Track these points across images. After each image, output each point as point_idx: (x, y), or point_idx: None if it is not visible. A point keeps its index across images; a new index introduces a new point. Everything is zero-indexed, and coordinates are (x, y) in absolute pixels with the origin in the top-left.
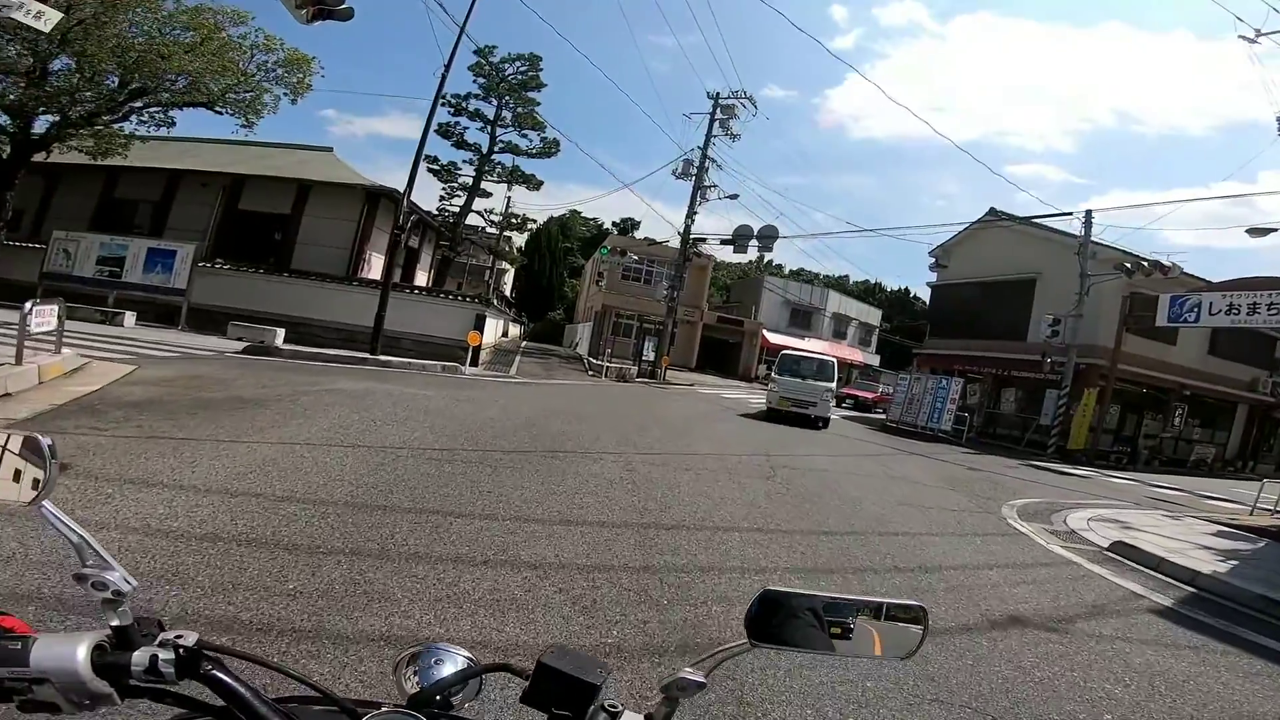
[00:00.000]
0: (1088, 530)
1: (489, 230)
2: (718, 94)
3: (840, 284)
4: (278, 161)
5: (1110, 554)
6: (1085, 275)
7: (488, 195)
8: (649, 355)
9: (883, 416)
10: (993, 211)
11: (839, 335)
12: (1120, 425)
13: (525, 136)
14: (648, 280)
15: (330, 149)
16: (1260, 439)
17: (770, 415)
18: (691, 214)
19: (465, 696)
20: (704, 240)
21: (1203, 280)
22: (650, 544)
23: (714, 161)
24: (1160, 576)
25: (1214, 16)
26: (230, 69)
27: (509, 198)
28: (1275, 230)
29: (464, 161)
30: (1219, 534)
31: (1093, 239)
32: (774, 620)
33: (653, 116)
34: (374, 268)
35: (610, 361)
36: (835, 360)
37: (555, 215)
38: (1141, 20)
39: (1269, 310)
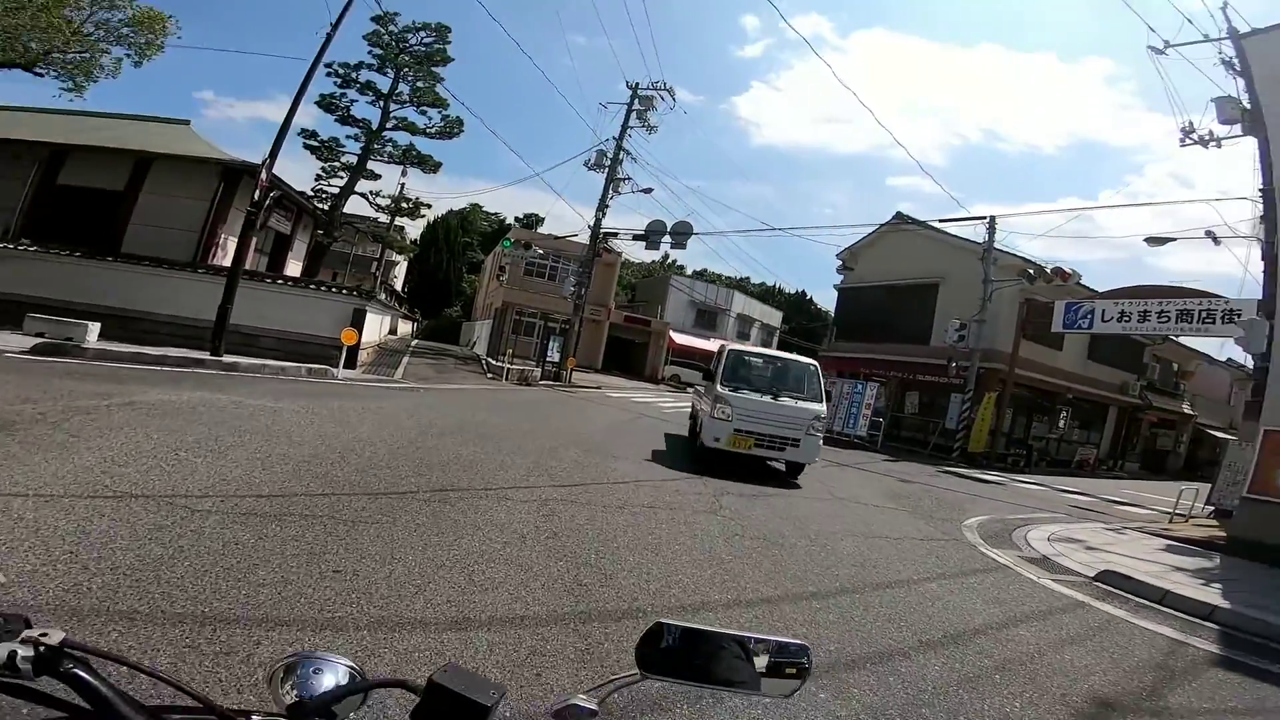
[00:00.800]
0: (1059, 555)
1: (379, 218)
2: (636, 84)
3: (741, 286)
4: (119, 134)
5: (1102, 584)
6: (989, 281)
7: (376, 177)
8: (554, 356)
9: None
10: (899, 216)
11: (743, 336)
12: (1012, 428)
13: (425, 114)
14: (553, 276)
15: (188, 121)
16: (1128, 439)
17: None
18: (603, 206)
19: (347, 709)
20: (615, 235)
21: (1090, 289)
22: (599, 655)
23: (629, 154)
24: (1174, 613)
25: (1079, 40)
26: (57, 27)
27: (402, 183)
28: (1173, 240)
29: (348, 138)
30: (1169, 549)
31: (995, 246)
32: (665, 652)
33: (567, 100)
34: (231, 254)
35: (511, 363)
36: (817, 365)
37: (455, 209)
38: (1014, 42)
39: (1158, 318)
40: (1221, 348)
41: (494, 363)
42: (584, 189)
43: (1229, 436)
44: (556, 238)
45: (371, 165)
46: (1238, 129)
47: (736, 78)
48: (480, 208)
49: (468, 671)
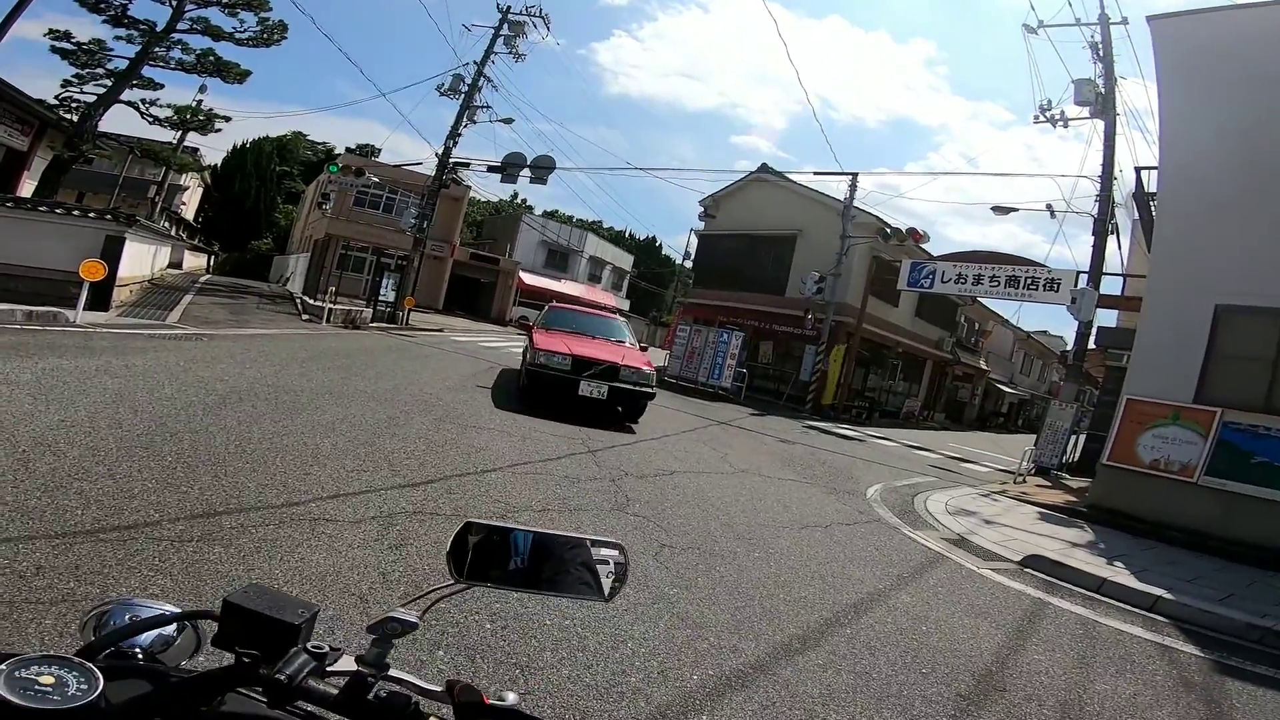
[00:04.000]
0: (971, 534)
1: (160, 140)
2: (508, 7)
3: (594, 229)
4: None
5: (1032, 571)
6: (846, 236)
7: (156, 87)
8: (388, 295)
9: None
10: (764, 167)
11: (594, 279)
12: (852, 380)
13: (235, 14)
14: (389, 208)
15: None
16: (939, 392)
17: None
18: (455, 135)
19: (155, 647)
20: (467, 165)
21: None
22: None
23: (490, 81)
24: (1120, 605)
25: (910, 22)
26: None
27: (200, 99)
28: (1016, 210)
29: (118, 38)
30: (1043, 518)
31: (854, 204)
32: (480, 556)
33: (427, 10)
34: None
35: (335, 302)
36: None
37: (274, 135)
38: (855, 18)
39: (990, 282)
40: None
41: (312, 302)
42: (431, 123)
43: (1011, 390)
44: (396, 166)
45: (153, 73)
46: (1086, 111)
47: (600, 23)
48: (304, 136)
49: (273, 591)
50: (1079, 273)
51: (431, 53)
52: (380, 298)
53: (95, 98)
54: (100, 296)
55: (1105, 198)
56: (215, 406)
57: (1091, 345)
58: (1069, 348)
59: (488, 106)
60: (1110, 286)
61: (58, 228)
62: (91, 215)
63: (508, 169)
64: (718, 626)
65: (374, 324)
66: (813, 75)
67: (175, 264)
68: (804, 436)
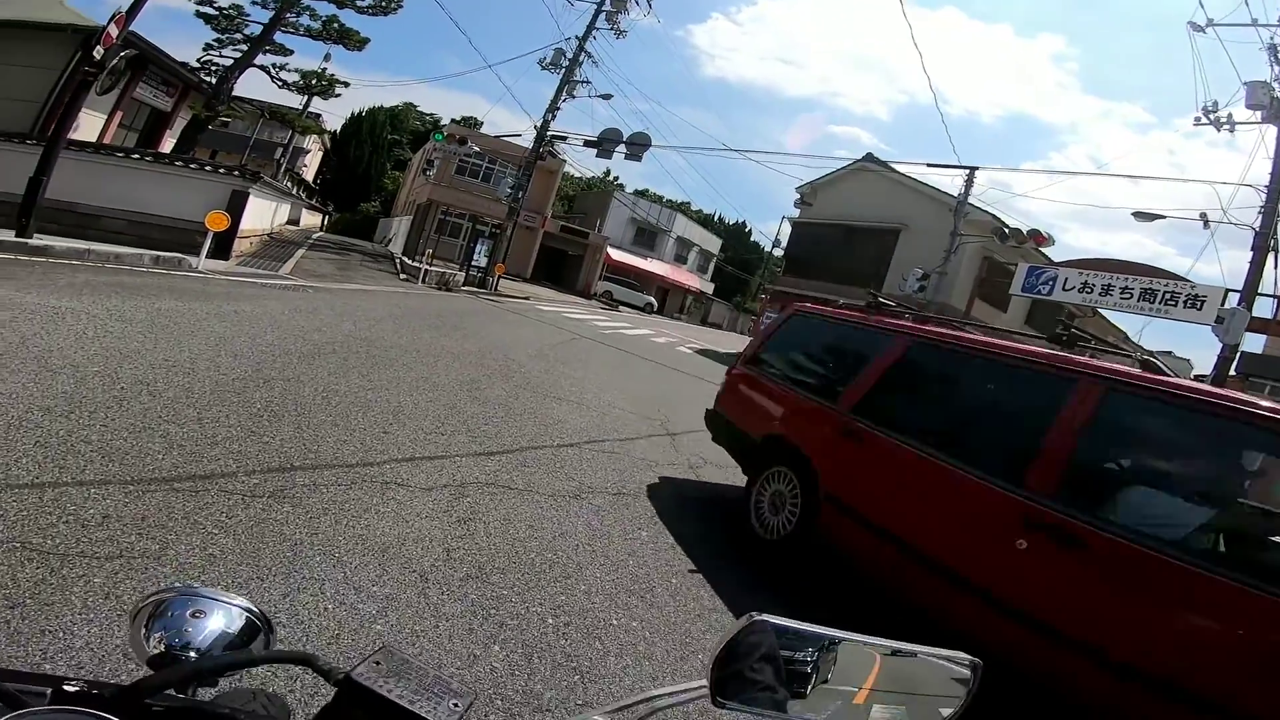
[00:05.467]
0: None
1: (286, 105)
2: None
3: (683, 209)
4: None
5: None
6: (957, 234)
7: (287, 53)
8: (480, 260)
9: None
10: (869, 157)
11: (680, 259)
12: None
13: None
14: (487, 178)
15: None
16: None
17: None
18: (554, 108)
19: (215, 646)
20: (564, 139)
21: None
22: None
23: (590, 56)
24: None
25: (1039, 15)
26: None
27: (324, 67)
28: (1162, 217)
29: (254, 3)
30: None
31: (970, 200)
32: (756, 663)
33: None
34: (92, 131)
35: (430, 264)
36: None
37: (386, 106)
38: (974, 9)
39: (1120, 293)
40: (1142, 330)
41: (410, 263)
42: (530, 97)
43: None
44: (496, 137)
45: (283, 39)
46: (1258, 116)
47: (698, 5)
48: (414, 107)
49: (411, 663)
50: (1227, 290)
51: (535, 25)
52: (473, 262)
53: (231, 61)
54: (223, 246)
55: (1271, 209)
56: (310, 356)
57: (1232, 372)
58: (1200, 372)
59: (587, 81)
60: (1261, 309)
61: (190, 181)
62: (221, 171)
63: (604, 144)
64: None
65: (465, 287)
66: (920, 66)
67: (293, 220)
68: None
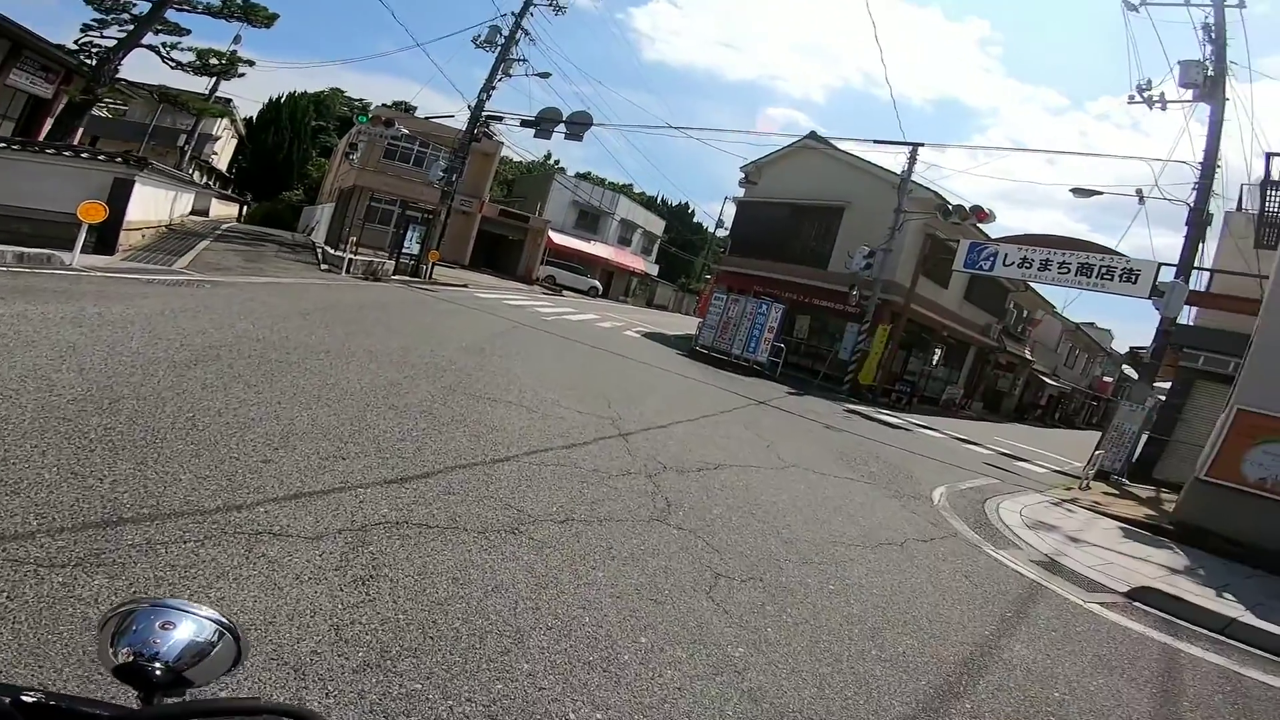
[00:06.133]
0: (1059, 554)
1: (192, 89)
2: None
3: (626, 191)
4: None
5: (1143, 606)
6: (901, 211)
7: (182, 32)
8: (412, 247)
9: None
10: (813, 135)
11: (624, 242)
12: (892, 363)
13: None
14: (419, 162)
15: None
16: (979, 379)
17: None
18: (489, 88)
19: (186, 659)
20: (499, 119)
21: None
22: None
23: (528, 34)
24: (1255, 651)
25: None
26: None
27: (234, 49)
28: (1100, 193)
29: None
30: (1126, 534)
31: (912, 178)
32: None
33: None
34: None
35: (356, 252)
36: None
37: (311, 92)
38: None
39: (1058, 268)
40: (1070, 302)
41: (333, 253)
42: (465, 81)
43: (1053, 382)
44: (428, 119)
45: (178, 18)
46: (1189, 94)
47: None
48: (342, 92)
49: None
50: (1160, 264)
51: (469, 4)
52: (404, 250)
53: (116, 42)
54: (106, 240)
55: (1205, 186)
56: (184, 365)
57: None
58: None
59: (524, 60)
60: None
61: (65, 170)
62: (101, 158)
63: (542, 124)
64: (803, 710)
65: (395, 276)
66: (859, 49)
67: (201, 211)
68: (847, 422)
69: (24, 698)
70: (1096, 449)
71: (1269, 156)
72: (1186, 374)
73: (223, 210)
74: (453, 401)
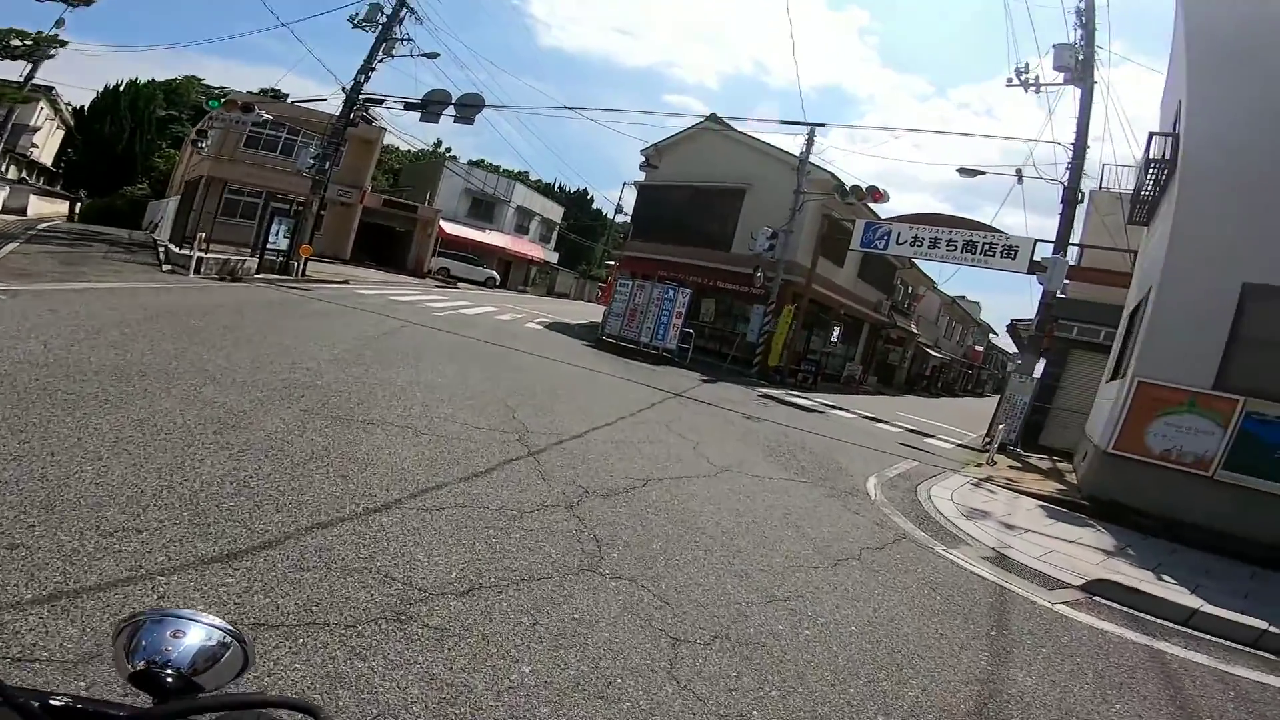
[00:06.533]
0: (1005, 547)
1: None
2: None
3: (522, 178)
4: None
5: (1102, 599)
6: (801, 192)
7: None
8: (279, 242)
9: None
10: (714, 117)
11: (521, 230)
12: (795, 343)
13: None
14: (288, 150)
15: None
16: (873, 354)
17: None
18: (369, 69)
19: (198, 664)
20: (379, 102)
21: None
22: None
23: (413, 12)
24: (1228, 644)
25: None
26: None
27: (56, 32)
28: (983, 173)
29: None
30: (1048, 513)
31: (808, 160)
32: None
33: None
34: None
35: (207, 250)
36: None
37: (160, 80)
38: None
39: (946, 246)
40: (949, 278)
41: (178, 251)
42: (343, 68)
43: (936, 354)
44: (295, 103)
45: None
46: (1061, 78)
47: None
48: (199, 80)
49: None
50: (1036, 240)
51: None
52: (269, 246)
53: None
54: None
55: (1078, 165)
56: None
57: (1031, 317)
58: (1022, 318)
59: (408, 39)
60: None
61: None
62: None
63: (428, 106)
64: None
65: (260, 275)
66: (751, 36)
67: (16, 210)
68: (764, 410)
69: (52, 701)
70: (994, 424)
71: (1151, 135)
72: (1062, 344)
73: (46, 208)
74: (314, 431)
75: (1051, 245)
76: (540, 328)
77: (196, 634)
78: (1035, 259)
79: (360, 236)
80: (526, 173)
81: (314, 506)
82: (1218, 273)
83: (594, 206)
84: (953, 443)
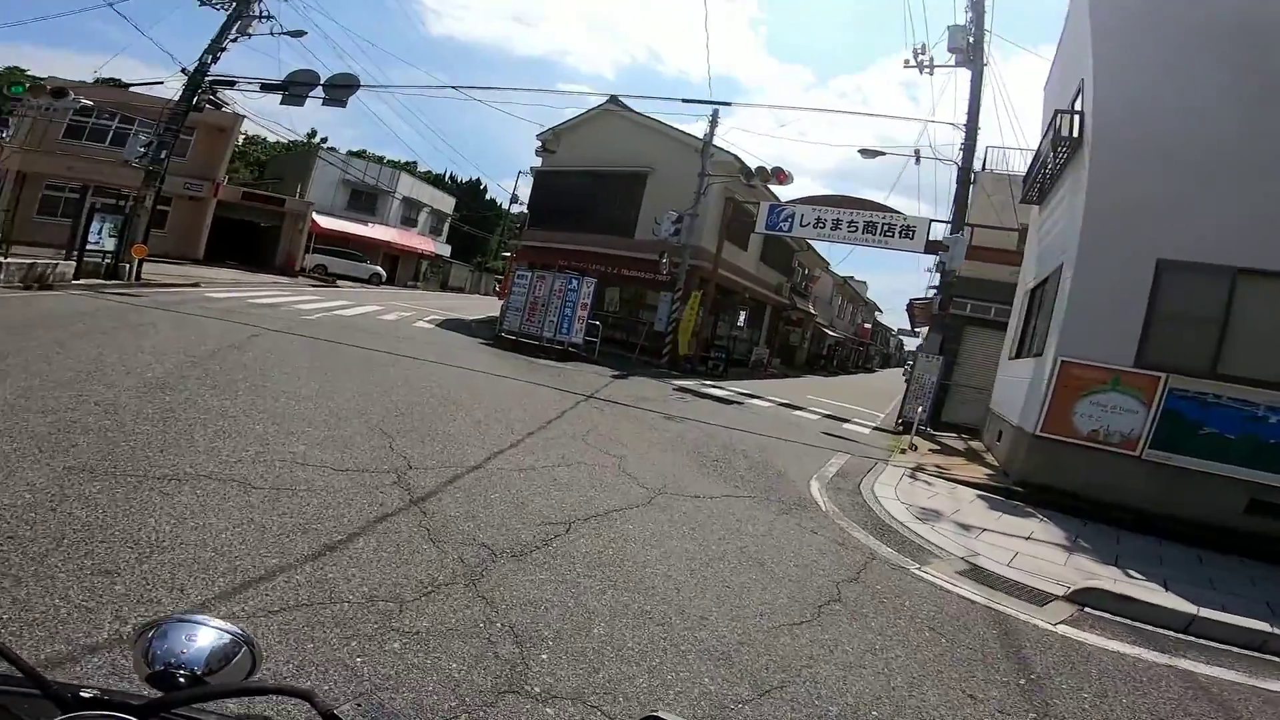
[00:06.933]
0: (974, 555)
1: None
2: None
3: (409, 169)
4: None
5: (1095, 611)
6: (705, 175)
7: None
8: (104, 242)
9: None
10: (614, 99)
11: (409, 222)
12: (703, 329)
13: None
14: (120, 140)
15: None
16: (775, 336)
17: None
18: (218, 49)
19: (212, 664)
20: (231, 83)
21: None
22: None
23: None
24: (1233, 650)
25: None
26: None
27: None
28: (884, 154)
29: None
30: (990, 504)
31: (712, 142)
32: None
33: None
34: None
35: (7, 254)
36: None
37: None
38: None
39: (848, 227)
40: (842, 259)
41: None
42: (187, 49)
43: (832, 333)
44: (125, 86)
45: None
46: (953, 59)
47: None
48: (21, 70)
49: (392, 713)
50: (931, 220)
51: None
52: (91, 246)
53: None
54: None
55: (970, 145)
56: None
57: (925, 295)
58: (919, 297)
59: (268, 17)
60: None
61: None
62: None
63: (291, 87)
64: None
65: (79, 281)
66: (642, 26)
67: None
68: (684, 406)
69: (83, 694)
70: (907, 407)
71: (1057, 113)
72: (956, 321)
73: None
74: (78, 500)
75: (945, 225)
76: (431, 326)
77: (209, 637)
78: (931, 238)
79: (218, 234)
80: (414, 164)
81: (44, 634)
82: (1132, 249)
83: (489, 197)
84: (869, 426)
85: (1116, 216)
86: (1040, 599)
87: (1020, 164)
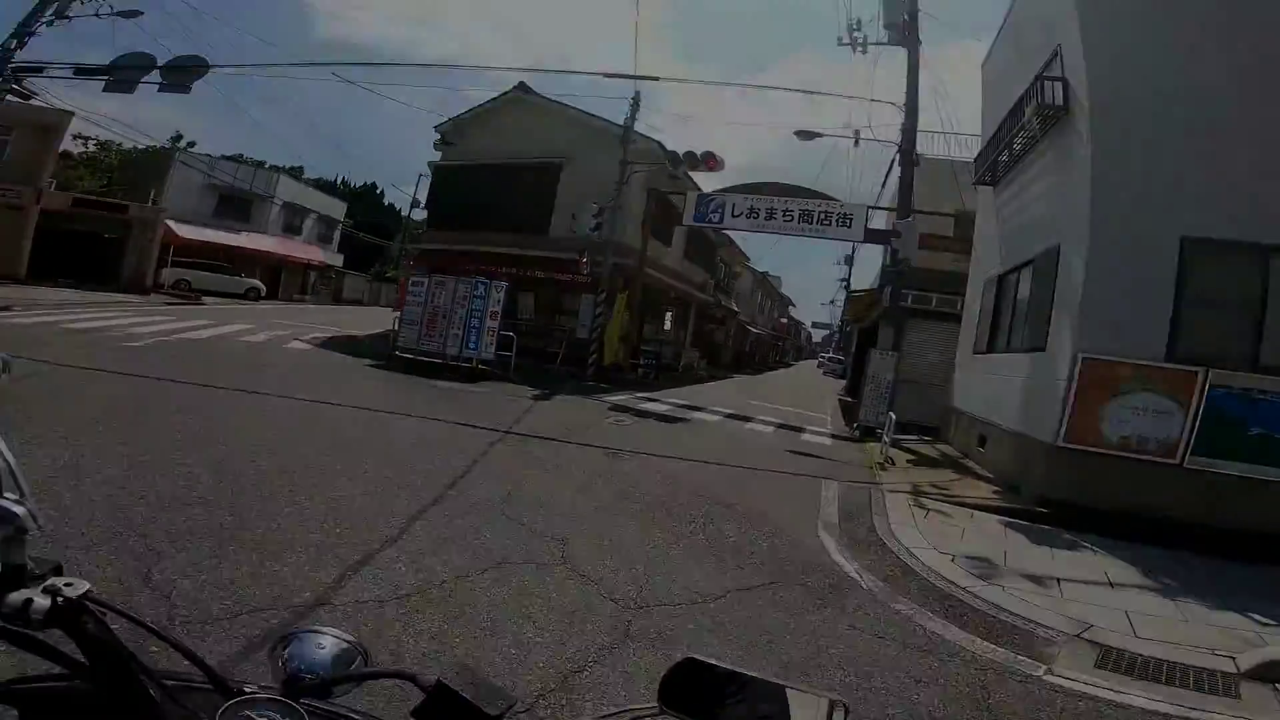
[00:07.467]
0: (1088, 626)
1: None
2: None
3: (293, 173)
4: None
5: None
6: (626, 163)
7: None
8: None
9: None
10: (522, 86)
11: (292, 230)
12: (631, 333)
13: None
14: None
15: None
16: (700, 335)
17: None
18: (27, 31)
19: (345, 689)
20: (38, 70)
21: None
22: None
23: None
24: None
25: None
26: None
27: None
28: (821, 135)
29: None
30: (1032, 538)
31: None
32: (691, 690)
33: None
34: None
35: None
36: None
37: None
38: None
39: (783, 216)
40: (763, 256)
41: None
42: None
43: (755, 330)
44: None
45: None
46: (886, 37)
47: None
48: None
49: (479, 675)
50: (869, 207)
51: None
52: None
53: None
54: None
55: (911, 125)
56: None
57: (863, 288)
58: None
59: None
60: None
61: None
62: None
63: (117, 71)
64: None
65: None
66: (548, 29)
67: None
68: (623, 434)
69: (245, 688)
70: (864, 411)
71: (1040, 79)
72: (899, 313)
73: None
74: None
75: (884, 213)
76: (309, 347)
77: (333, 645)
78: (870, 226)
79: (48, 248)
80: (301, 168)
81: None
82: (1153, 226)
83: (386, 202)
84: (825, 433)
85: (1129, 190)
86: (1222, 686)
87: (943, 149)
